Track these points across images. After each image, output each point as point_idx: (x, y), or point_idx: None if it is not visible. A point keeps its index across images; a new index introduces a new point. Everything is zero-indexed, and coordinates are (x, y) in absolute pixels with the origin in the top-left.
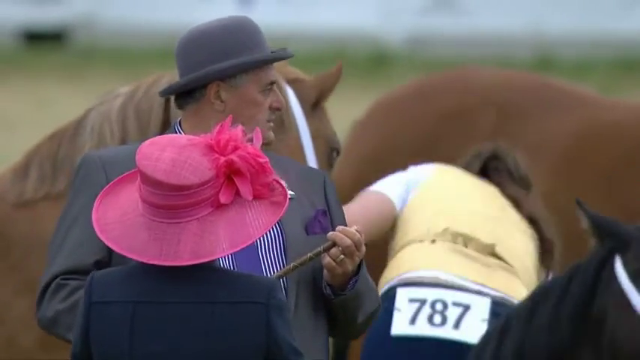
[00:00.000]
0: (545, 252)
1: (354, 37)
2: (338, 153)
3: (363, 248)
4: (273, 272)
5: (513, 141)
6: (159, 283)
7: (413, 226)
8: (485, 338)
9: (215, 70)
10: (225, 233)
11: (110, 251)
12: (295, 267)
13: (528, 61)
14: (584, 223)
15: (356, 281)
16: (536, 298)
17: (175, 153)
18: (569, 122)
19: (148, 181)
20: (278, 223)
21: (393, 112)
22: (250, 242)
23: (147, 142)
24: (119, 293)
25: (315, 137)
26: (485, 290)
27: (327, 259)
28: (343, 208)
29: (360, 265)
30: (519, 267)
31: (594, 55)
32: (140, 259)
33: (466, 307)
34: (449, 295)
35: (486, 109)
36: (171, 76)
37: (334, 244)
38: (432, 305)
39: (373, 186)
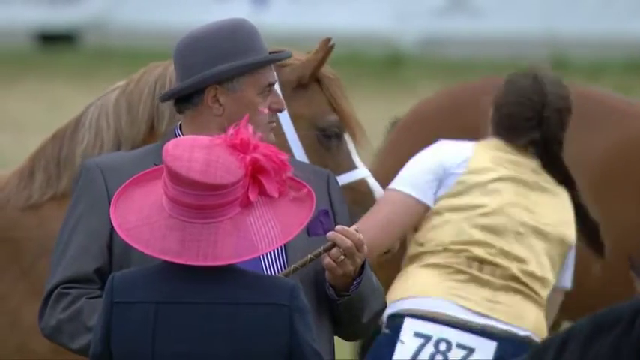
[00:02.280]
0: (590, 234)
1: (368, 39)
2: (331, 133)
3: (365, 248)
4: (274, 274)
5: None
6: (181, 283)
7: (435, 234)
8: (539, 354)
9: (211, 74)
10: (259, 231)
11: (110, 258)
12: (295, 269)
13: (542, 62)
14: (637, 284)
15: (359, 282)
16: (600, 321)
17: (205, 153)
18: (606, 136)
19: (182, 181)
20: None
21: (428, 122)
22: (290, 239)
23: (170, 144)
24: (141, 293)
25: (295, 119)
26: (490, 323)
27: (327, 260)
28: (369, 216)
29: (363, 266)
30: (548, 276)
31: (608, 56)
32: (177, 261)
33: (470, 350)
34: (454, 335)
35: None
36: (164, 67)
37: (334, 245)
38: (436, 344)
39: (399, 181)
